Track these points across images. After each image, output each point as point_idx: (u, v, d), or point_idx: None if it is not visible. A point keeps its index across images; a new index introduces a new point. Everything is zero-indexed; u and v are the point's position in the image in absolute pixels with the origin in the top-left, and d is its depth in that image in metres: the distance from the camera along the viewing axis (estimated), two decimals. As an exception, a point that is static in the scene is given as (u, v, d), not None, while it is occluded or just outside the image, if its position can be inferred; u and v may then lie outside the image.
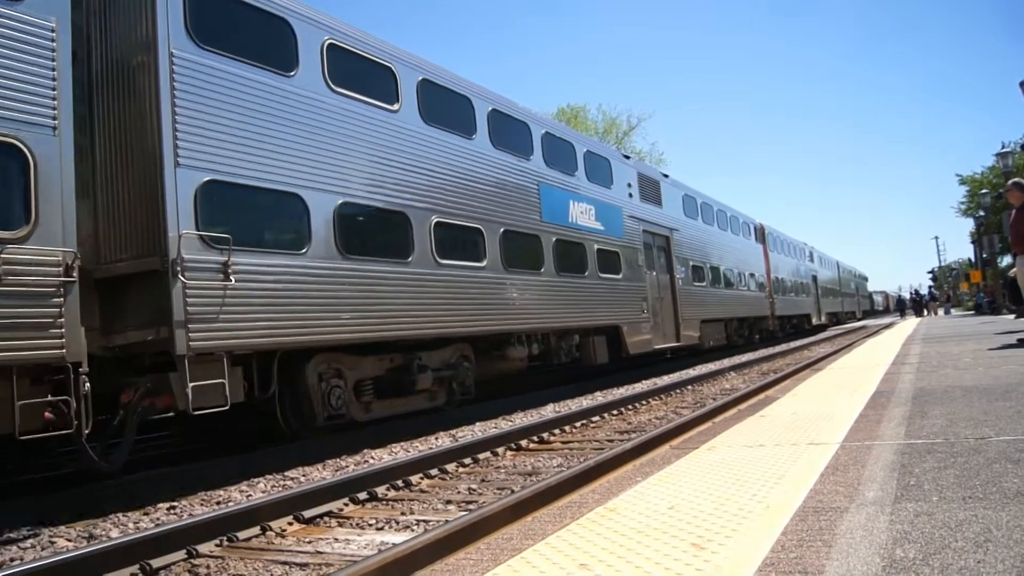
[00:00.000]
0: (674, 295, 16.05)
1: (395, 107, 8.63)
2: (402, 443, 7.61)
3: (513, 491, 4.78)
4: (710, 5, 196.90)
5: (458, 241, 9.39)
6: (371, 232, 8.14)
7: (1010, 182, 9.60)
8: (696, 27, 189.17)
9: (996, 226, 30.22)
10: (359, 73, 8.29)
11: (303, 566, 3.76)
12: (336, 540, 4.21)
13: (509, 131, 10.98)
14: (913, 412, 4.34)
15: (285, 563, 3.82)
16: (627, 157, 16.07)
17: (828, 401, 5.41)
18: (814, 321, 33.25)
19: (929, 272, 69.44)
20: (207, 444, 7.68)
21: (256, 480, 6.06)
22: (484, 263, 9.71)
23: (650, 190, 16.08)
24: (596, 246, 12.86)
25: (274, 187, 6.87)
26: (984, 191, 36.95)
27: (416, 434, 8.06)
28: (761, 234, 25.91)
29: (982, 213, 36.87)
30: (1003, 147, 28.42)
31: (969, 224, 46.64)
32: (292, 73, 7.30)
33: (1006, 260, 33.22)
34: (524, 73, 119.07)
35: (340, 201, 7.53)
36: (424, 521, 4.46)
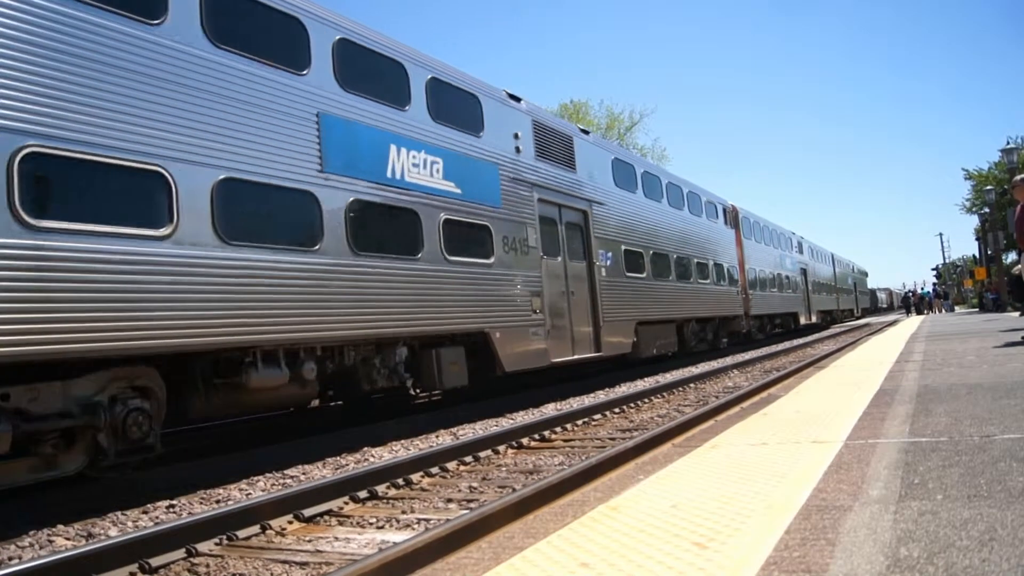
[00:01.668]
0: (593, 289, 12.34)
1: None
2: (402, 441, 7.59)
3: (514, 489, 4.76)
4: (714, 2, 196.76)
5: (97, 192, 5.54)
6: None
7: (1016, 178, 9.56)
8: (700, 24, 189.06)
9: (1001, 222, 30.14)
10: None
11: (303, 565, 3.75)
12: (336, 539, 4.19)
13: (254, 26, 7.08)
14: (917, 410, 4.31)
15: (285, 562, 3.80)
16: (516, 99, 11.31)
17: (831, 399, 5.38)
18: (802, 320, 29.54)
19: (933, 269, 69.39)
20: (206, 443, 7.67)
21: (256, 479, 6.05)
22: (168, 231, 5.77)
23: (555, 147, 11.96)
24: (444, 216, 8.89)
25: None
26: (989, 187, 36.81)
27: (416, 432, 8.04)
28: (734, 218, 21.99)
29: (986, 210, 36.76)
30: (1008, 143, 28.34)
31: (974, 221, 46.52)
32: None
33: (1011, 257, 33.12)
34: (527, 69, 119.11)
35: None
36: (425, 520, 4.44)
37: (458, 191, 9.27)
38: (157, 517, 4.95)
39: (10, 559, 4.13)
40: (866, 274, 63.85)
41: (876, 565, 1.82)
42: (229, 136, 6.47)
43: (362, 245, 7.63)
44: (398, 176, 8.32)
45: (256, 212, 6.72)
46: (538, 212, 11.05)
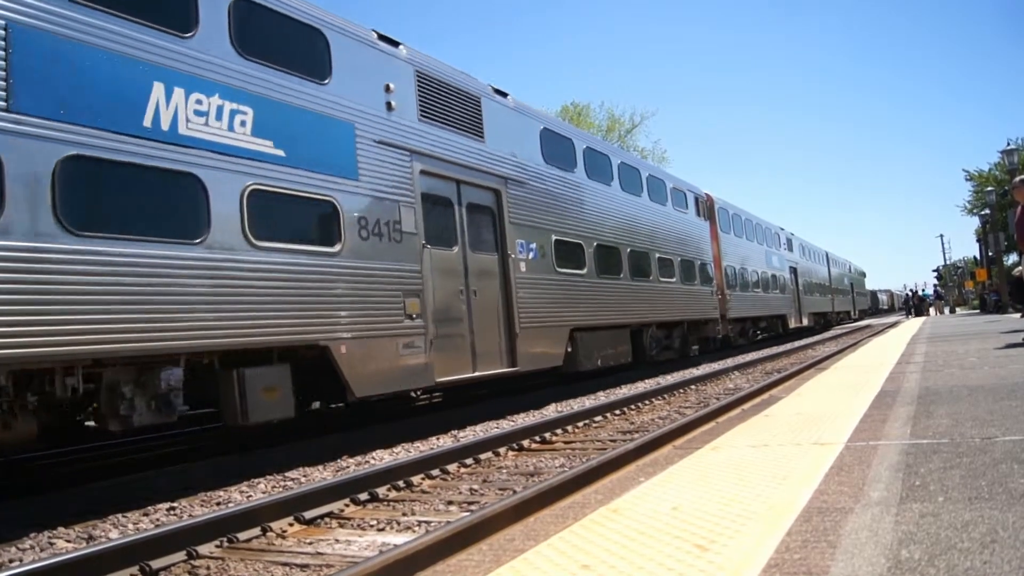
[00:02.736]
0: (507, 288, 9.97)
1: None
2: (403, 443, 7.59)
3: (515, 491, 4.75)
4: (714, 2, 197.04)
5: None
6: None
7: (1016, 180, 9.56)
8: (700, 24, 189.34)
9: (1001, 224, 30.13)
10: None
11: (304, 567, 3.74)
12: (337, 541, 4.19)
13: None
14: (918, 412, 4.31)
15: (286, 564, 3.80)
16: (393, 43, 8.79)
17: (833, 401, 5.37)
18: (792, 323, 26.93)
19: (934, 270, 69.38)
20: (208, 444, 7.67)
21: (256, 480, 6.05)
22: None
23: (451, 107, 9.43)
24: (251, 186, 6.52)
25: None
26: (989, 188, 36.80)
27: (417, 435, 8.03)
28: (708, 209, 19.41)
29: (987, 211, 36.74)
30: (1008, 144, 28.29)
31: (975, 222, 46.49)
32: None
33: (1012, 258, 33.09)
34: (528, 70, 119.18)
35: None
36: (425, 522, 4.43)
37: (279, 153, 6.87)
38: (158, 519, 4.95)
39: (11, 561, 4.14)
40: (864, 275, 63.05)
41: (877, 567, 1.82)
42: None
43: (86, 223, 5.30)
44: (166, 127, 5.93)
45: None
46: (420, 188, 8.58)
